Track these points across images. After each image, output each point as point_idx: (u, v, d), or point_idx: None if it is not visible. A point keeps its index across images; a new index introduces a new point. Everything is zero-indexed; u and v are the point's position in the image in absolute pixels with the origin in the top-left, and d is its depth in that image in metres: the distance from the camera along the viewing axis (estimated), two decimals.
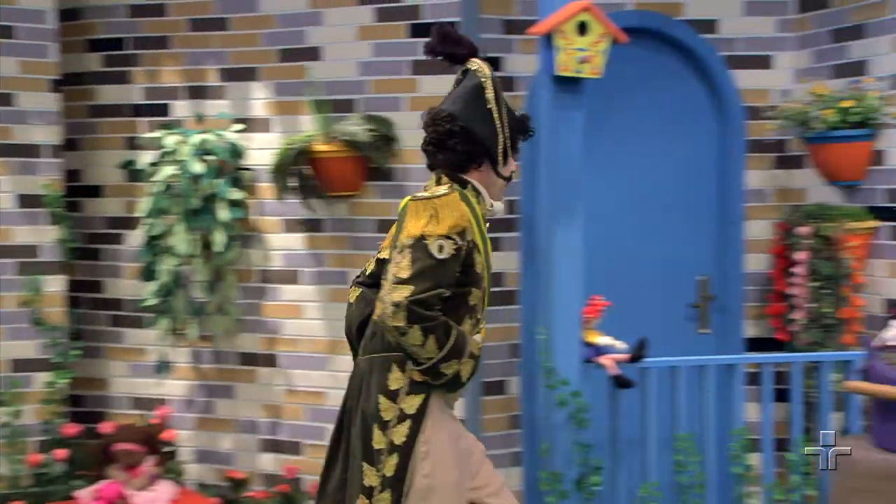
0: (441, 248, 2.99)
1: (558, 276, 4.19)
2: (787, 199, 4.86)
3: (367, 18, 4.71)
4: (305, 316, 4.87)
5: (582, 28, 4.07)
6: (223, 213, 4.75)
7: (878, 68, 4.45)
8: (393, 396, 3.08)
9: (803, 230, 4.57)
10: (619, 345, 4.23)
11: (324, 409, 4.81)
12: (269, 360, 4.92)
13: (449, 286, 3.01)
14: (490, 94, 3.12)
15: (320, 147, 4.65)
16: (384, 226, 4.56)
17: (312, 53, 4.80)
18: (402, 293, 2.96)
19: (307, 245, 4.86)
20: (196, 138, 4.77)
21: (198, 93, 4.98)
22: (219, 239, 4.73)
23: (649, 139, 4.88)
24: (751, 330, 4.87)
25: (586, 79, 4.14)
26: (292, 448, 4.89)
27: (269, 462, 4.94)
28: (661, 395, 4.28)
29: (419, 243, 2.99)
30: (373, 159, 4.63)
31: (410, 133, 4.58)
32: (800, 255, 4.58)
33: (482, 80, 3.13)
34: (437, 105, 3.18)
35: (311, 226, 4.85)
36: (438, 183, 3.14)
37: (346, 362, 3.58)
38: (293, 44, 4.82)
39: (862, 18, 4.53)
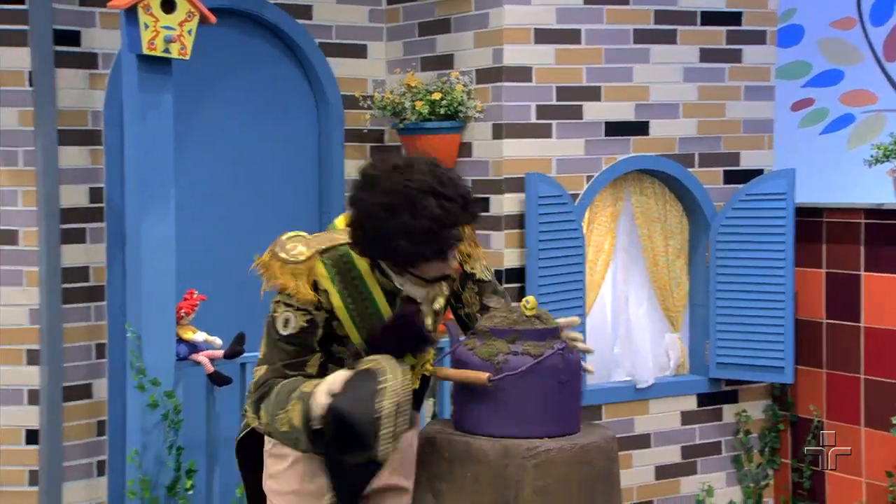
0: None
1: (148, 269, 4.00)
2: None
3: None
4: None
5: (168, 5, 3.89)
6: None
7: (462, 62, 4.58)
8: None
9: None
10: (216, 340, 4.11)
11: None
12: None
13: None
14: None
15: None
16: None
17: None
18: None
19: None
20: None
21: None
22: None
23: (246, 126, 4.73)
24: None
25: (175, 60, 3.95)
26: None
27: None
28: None
29: None
30: None
31: None
32: None
33: None
34: None
35: None
36: None
37: None
38: None
39: (447, 13, 4.64)
